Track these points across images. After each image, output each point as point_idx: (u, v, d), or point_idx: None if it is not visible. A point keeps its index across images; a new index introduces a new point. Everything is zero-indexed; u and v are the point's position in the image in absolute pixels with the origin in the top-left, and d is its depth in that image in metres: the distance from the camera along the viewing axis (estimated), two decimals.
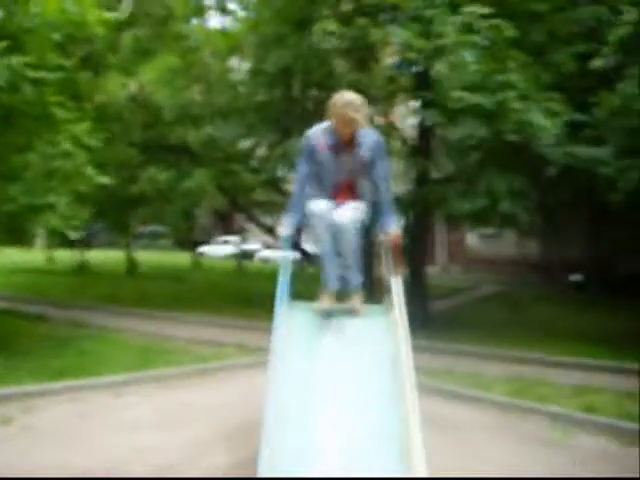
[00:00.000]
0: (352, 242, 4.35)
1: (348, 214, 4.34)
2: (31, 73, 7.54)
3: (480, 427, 6.22)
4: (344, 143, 4.31)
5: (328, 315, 4.29)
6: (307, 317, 4.28)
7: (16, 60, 7.39)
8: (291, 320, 4.18)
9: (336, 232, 4.34)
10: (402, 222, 14.35)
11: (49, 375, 7.24)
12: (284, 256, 4.54)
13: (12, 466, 4.79)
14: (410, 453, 3.17)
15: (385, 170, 4.43)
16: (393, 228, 4.43)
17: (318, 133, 4.38)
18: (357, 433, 3.40)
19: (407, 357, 3.71)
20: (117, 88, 12.41)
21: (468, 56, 9.09)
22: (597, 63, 9.30)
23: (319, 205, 4.37)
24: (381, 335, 4.07)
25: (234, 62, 15.13)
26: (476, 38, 9.15)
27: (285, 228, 4.53)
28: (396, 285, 4.24)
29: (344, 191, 4.47)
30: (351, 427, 3.44)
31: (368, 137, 4.33)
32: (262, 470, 3.06)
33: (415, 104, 12.01)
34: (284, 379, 3.68)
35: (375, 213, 4.47)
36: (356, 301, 4.42)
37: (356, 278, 4.46)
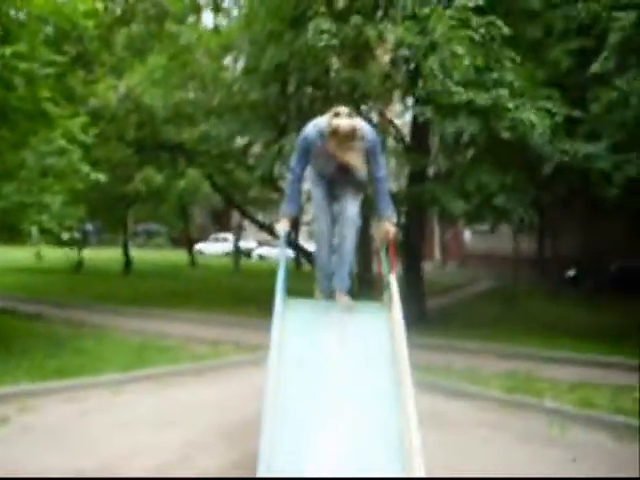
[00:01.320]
0: (353, 238, 4.50)
1: (351, 207, 4.50)
2: (23, 65, 7.49)
3: (478, 423, 6.23)
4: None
5: (327, 312, 4.33)
6: (305, 314, 4.30)
7: (7, 50, 7.35)
8: (290, 316, 4.18)
9: (338, 228, 4.53)
10: (396, 219, 14.44)
11: (46, 374, 7.22)
12: (282, 253, 4.59)
13: (9, 466, 4.78)
14: (409, 453, 3.18)
15: (381, 161, 4.50)
16: (390, 215, 4.53)
17: (315, 136, 4.37)
18: (356, 432, 3.40)
19: (404, 354, 3.73)
20: (108, 90, 12.39)
21: (460, 50, 9.10)
22: (595, 68, 9.32)
23: (320, 200, 4.59)
24: (379, 332, 4.09)
25: (228, 60, 15.11)
26: (470, 33, 9.17)
27: (282, 225, 4.62)
28: (393, 281, 4.28)
29: (343, 170, 4.45)
30: (350, 426, 3.44)
31: (364, 139, 4.30)
32: (261, 470, 3.06)
33: (410, 101, 12.01)
34: (283, 376, 3.69)
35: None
36: (347, 299, 4.52)
37: (349, 279, 4.63)
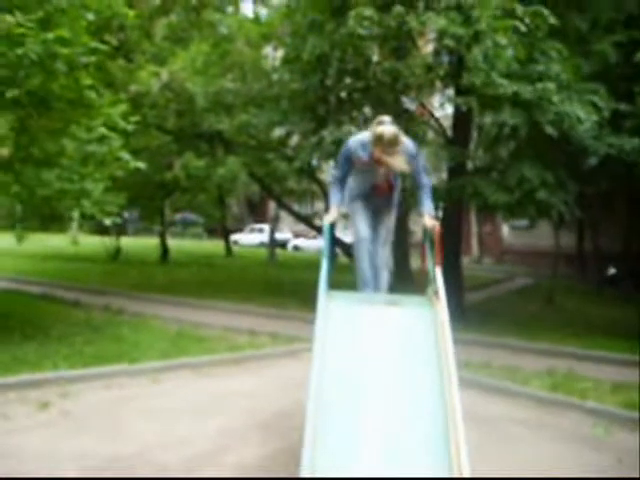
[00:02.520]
0: (387, 257, 4.89)
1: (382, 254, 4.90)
2: (64, 50, 7.52)
3: (519, 422, 6.11)
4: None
5: (371, 305, 4.27)
6: (349, 306, 4.23)
7: (50, 35, 7.37)
8: (334, 309, 4.11)
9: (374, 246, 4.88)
10: (437, 213, 14.31)
11: (85, 360, 7.27)
12: (326, 244, 4.56)
13: (50, 450, 4.82)
14: (455, 451, 3.09)
15: (422, 165, 4.77)
16: (431, 212, 4.68)
17: (358, 145, 4.64)
18: (401, 428, 3.32)
19: (450, 348, 3.65)
20: (150, 77, 12.43)
21: (504, 40, 8.94)
22: None
23: (359, 210, 4.90)
24: (424, 325, 4.00)
25: (268, 50, 15.09)
26: (515, 22, 8.99)
27: (330, 216, 4.74)
28: (439, 275, 4.20)
29: (381, 188, 4.83)
30: (394, 422, 3.36)
31: (405, 152, 4.53)
32: (304, 470, 2.97)
33: (451, 93, 11.84)
34: (326, 369, 3.61)
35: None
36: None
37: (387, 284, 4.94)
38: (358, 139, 4.69)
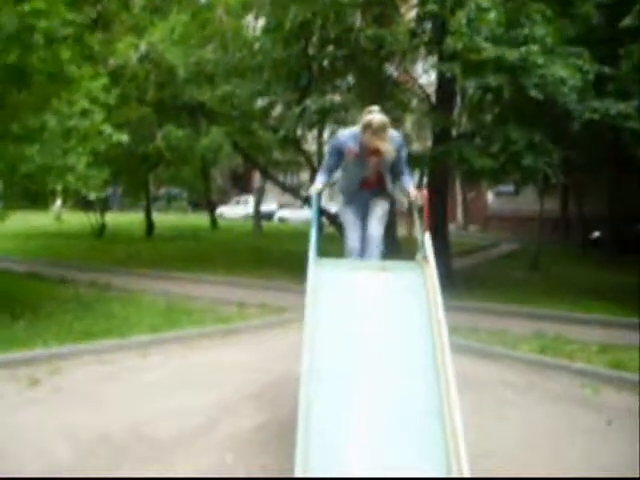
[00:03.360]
0: (379, 247, 4.86)
1: (376, 227, 4.91)
2: (42, 23, 7.37)
3: (509, 384, 6.17)
4: (371, 151, 4.70)
5: (361, 270, 4.28)
6: (339, 272, 4.23)
7: (26, 7, 7.21)
8: (324, 276, 4.11)
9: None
10: (423, 181, 14.31)
11: (75, 337, 7.24)
12: (314, 213, 4.60)
13: (41, 427, 4.82)
14: (449, 415, 3.12)
15: (406, 157, 4.97)
16: (412, 189, 4.85)
17: (348, 137, 4.81)
18: (394, 394, 3.33)
19: (440, 312, 3.67)
20: (128, 49, 12.21)
21: (486, 3, 8.86)
22: (627, 22, 9.02)
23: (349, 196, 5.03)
24: (415, 289, 4.01)
25: (249, 19, 14.86)
26: None
27: (315, 186, 4.88)
28: (427, 240, 4.22)
29: (371, 181, 4.95)
30: (388, 387, 3.37)
31: (392, 141, 4.71)
32: (297, 469, 2.94)
33: (435, 60, 11.75)
34: (319, 336, 3.61)
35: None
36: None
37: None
38: (348, 132, 4.89)
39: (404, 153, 4.91)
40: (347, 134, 4.84)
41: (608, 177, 17.68)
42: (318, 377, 3.36)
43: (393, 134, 4.74)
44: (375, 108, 4.66)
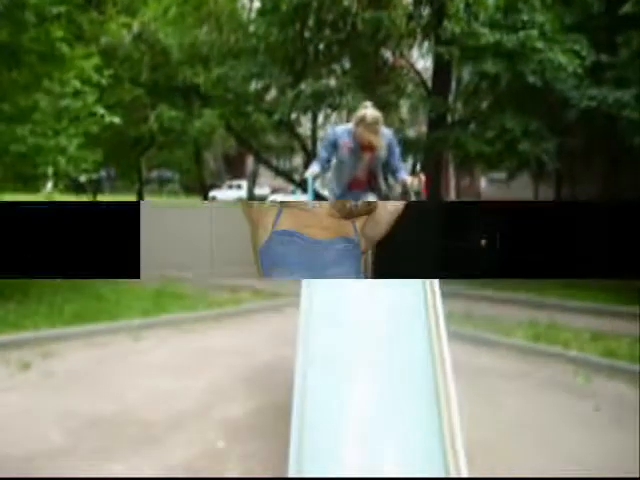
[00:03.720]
0: None
1: None
2: (33, 0, 7.25)
3: (504, 373, 6.16)
4: (364, 147, 4.81)
5: None
6: None
7: None
8: None
9: None
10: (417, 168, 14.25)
11: (65, 319, 7.19)
12: (309, 195, 4.80)
13: (33, 410, 4.77)
14: (446, 402, 3.09)
15: (399, 154, 5.04)
16: (408, 177, 4.99)
17: (343, 132, 4.90)
18: (391, 376, 3.30)
19: (438, 295, 3.65)
20: (121, 29, 12.09)
21: None
22: (626, 9, 8.95)
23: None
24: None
25: (244, 0, 14.73)
26: None
27: (311, 170, 5.00)
28: None
29: (361, 181, 5.06)
30: (382, 370, 3.34)
31: (383, 137, 4.80)
32: (291, 470, 2.91)
33: (432, 44, 11.67)
34: (313, 316, 3.57)
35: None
36: None
37: None
38: (343, 127, 4.97)
39: (397, 149, 4.99)
40: (343, 129, 4.93)
41: (602, 165, 17.65)
42: (311, 365, 3.31)
43: (384, 131, 4.84)
44: (369, 103, 4.76)
